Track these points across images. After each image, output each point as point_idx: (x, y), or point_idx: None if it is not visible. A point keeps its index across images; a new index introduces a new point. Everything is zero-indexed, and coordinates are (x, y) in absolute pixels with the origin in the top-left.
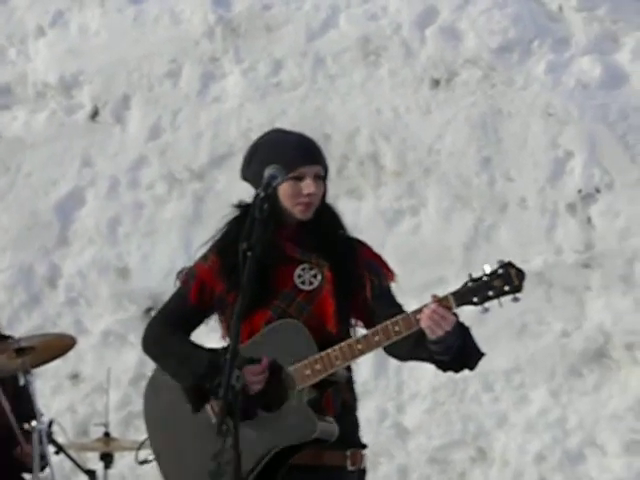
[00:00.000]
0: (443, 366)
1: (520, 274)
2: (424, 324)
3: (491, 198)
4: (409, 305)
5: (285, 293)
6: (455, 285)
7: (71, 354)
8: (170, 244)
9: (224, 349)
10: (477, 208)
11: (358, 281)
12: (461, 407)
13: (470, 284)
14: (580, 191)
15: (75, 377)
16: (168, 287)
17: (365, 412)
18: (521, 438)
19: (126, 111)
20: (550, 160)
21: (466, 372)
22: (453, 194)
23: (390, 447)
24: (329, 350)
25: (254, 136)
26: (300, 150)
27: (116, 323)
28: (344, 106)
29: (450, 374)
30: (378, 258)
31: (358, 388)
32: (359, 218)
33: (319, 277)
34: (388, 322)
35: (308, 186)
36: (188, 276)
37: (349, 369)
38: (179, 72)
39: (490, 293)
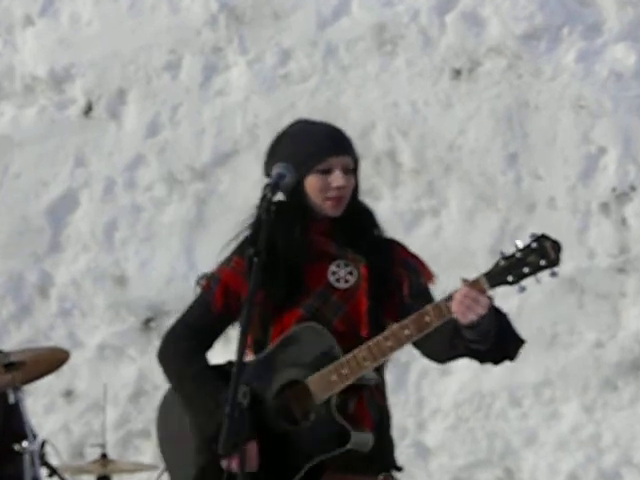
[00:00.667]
0: (481, 357)
1: (556, 246)
2: (456, 309)
3: (518, 198)
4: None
5: (319, 291)
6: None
7: (65, 369)
8: (170, 250)
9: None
10: (502, 209)
11: (394, 280)
12: (487, 424)
13: (503, 262)
14: (614, 190)
15: (69, 394)
16: (169, 296)
17: None
18: (552, 457)
19: (122, 106)
20: (581, 156)
21: (492, 385)
22: (476, 194)
23: (410, 468)
24: (355, 351)
25: (261, 132)
26: (327, 140)
27: (113, 335)
28: (358, 99)
29: (475, 388)
30: (416, 258)
31: None
32: None
33: (355, 274)
34: (418, 313)
35: (337, 179)
36: (211, 281)
37: (379, 371)
38: (179, 64)
39: (526, 270)
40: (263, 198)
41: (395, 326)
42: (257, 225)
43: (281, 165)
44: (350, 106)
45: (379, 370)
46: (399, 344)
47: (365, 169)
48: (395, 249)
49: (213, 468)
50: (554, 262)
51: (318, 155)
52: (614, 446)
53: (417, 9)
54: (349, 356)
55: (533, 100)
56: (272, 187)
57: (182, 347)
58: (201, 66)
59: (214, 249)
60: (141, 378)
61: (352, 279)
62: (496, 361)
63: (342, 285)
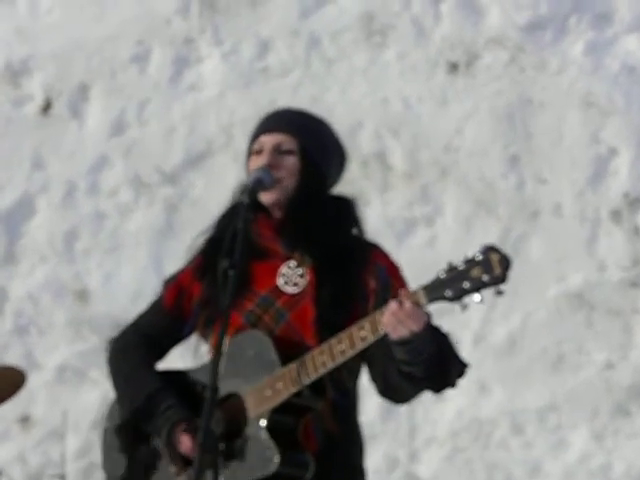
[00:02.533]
0: (416, 384)
1: (504, 260)
2: (386, 321)
3: (520, 204)
4: None
5: (263, 295)
6: (479, 309)
7: (21, 393)
8: (138, 262)
9: (169, 374)
10: (503, 216)
11: (360, 288)
12: (486, 454)
13: (444, 275)
14: (626, 195)
15: (25, 420)
16: (136, 312)
17: (371, 460)
18: None
19: (84, 103)
20: (590, 159)
21: (491, 411)
22: (475, 200)
23: None
24: (290, 365)
25: (237, 131)
26: (263, 119)
27: (74, 356)
28: (344, 96)
29: (472, 415)
30: (393, 268)
31: (363, 432)
32: None
33: (306, 278)
34: (354, 326)
35: (259, 159)
36: (168, 280)
37: (321, 393)
38: (147, 56)
39: (466, 285)
40: (238, 205)
41: (333, 339)
42: (232, 234)
43: (260, 169)
44: (336, 103)
45: (340, 389)
46: (332, 360)
47: (352, 172)
48: (369, 253)
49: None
50: (498, 278)
51: (252, 136)
52: (626, 477)
53: None
54: (285, 369)
55: (537, 97)
56: (250, 192)
57: (121, 344)
58: (171, 58)
59: (185, 262)
60: (105, 403)
61: (303, 283)
62: (435, 389)
63: (290, 289)
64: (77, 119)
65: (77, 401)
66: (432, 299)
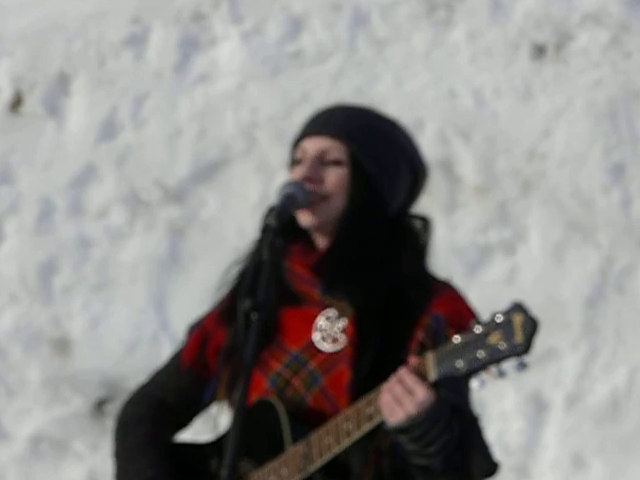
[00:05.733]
0: (432, 478)
1: (529, 324)
2: (382, 401)
3: (626, 227)
4: (504, 398)
5: (295, 354)
6: (572, 361)
7: None
8: (133, 302)
9: (184, 448)
10: (604, 243)
11: (405, 347)
12: None
13: (458, 339)
14: None
15: None
16: (130, 367)
17: None
18: None
19: (64, 98)
20: None
21: None
22: (567, 221)
23: None
24: (298, 445)
25: (261, 134)
26: (309, 118)
27: (52, 423)
28: (399, 88)
29: None
30: (456, 316)
31: None
32: None
33: (347, 333)
34: (363, 399)
35: (297, 169)
36: (193, 326)
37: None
38: (145, 38)
39: (480, 354)
40: (265, 229)
41: (340, 415)
42: (256, 267)
43: (292, 183)
44: (388, 97)
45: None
46: (337, 442)
47: None
48: (429, 302)
49: None
50: (518, 349)
51: (294, 140)
52: None
53: None
54: (292, 451)
55: None
56: (278, 213)
57: (129, 413)
58: (176, 41)
59: (195, 299)
60: None
61: (343, 339)
62: None
63: (327, 347)
64: (55, 119)
65: (56, 479)
66: (442, 372)
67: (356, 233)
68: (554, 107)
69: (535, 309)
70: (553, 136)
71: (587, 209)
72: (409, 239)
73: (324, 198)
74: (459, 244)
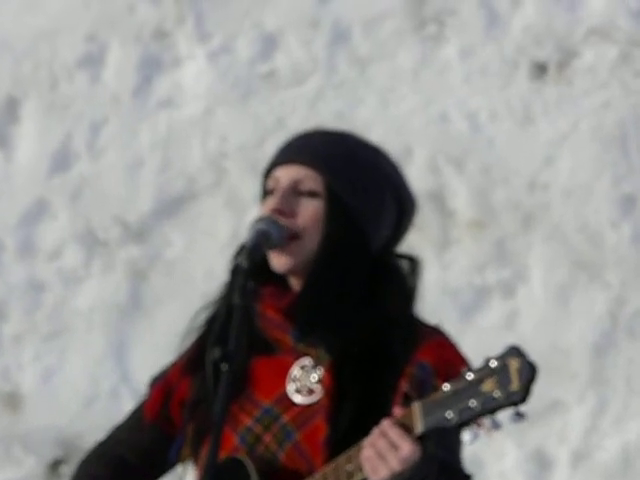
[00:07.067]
0: None
1: (526, 370)
2: (365, 456)
3: (637, 265)
4: (503, 455)
5: (266, 407)
6: (579, 414)
7: None
8: (90, 352)
9: None
10: (614, 283)
11: (389, 399)
12: None
13: (447, 387)
14: None
15: None
16: (87, 424)
17: None
18: None
19: (12, 125)
20: None
21: None
22: (573, 259)
23: None
24: None
25: (231, 165)
26: (282, 145)
27: None
28: (384, 111)
29: None
30: (444, 364)
31: None
32: None
33: (324, 383)
34: (341, 457)
35: (268, 202)
36: (155, 379)
37: None
38: (102, 58)
39: (472, 403)
40: (235, 270)
41: (317, 474)
42: (226, 313)
43: (264, 218)
44: (372, 122)
45: None
46: None
47: None
48: (413, 349)
49: None
50: (514, 397)
51: (266, 169)
52: None
53: None
54: None
55: None
56: (250, 252)
57: (84, 475)
58: (136, 61)
59: (158, 348)
60: None
61: (319, 390)
62: None
63: (303, 399)
64: (2, 148)
65: None
66: (430, 423)
67: (332, 273)
68: (557, 132)
69: (537, 357)
70: (556, 164)
71: (594, 245)
72: (394, 281)
73: (297, 235)
74: (452, 285)
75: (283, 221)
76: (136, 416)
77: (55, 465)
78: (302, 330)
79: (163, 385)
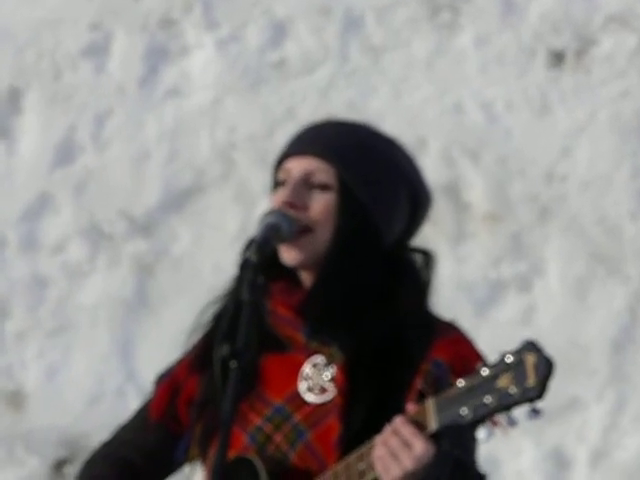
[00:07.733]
0: None
1: (543, 365)
2: (377, 455)
3: None
4: (521, 454)
5: (277, 406)
6: (598, 412)
7: None
8: (95, 349)
9: None
10: (634, 276)
11: (403, 396)
12: None
13: (461, 383)
14: None
15: None
16: (92, 424)
17: None
18: None
19: (15, 116)
20: None
21: None
22: (591, 252)
23: None
24: None
25: (240, 156)
26: (294, 136)
27: None
28: (397, 101)
29: None
30: (460, 361)
31: None
32: None
33: (337, 381)
34: (352, 456)
35: (279, 193)
36: (161, 376)
37: None
38: (106, 47)
39: (487, 400)
40: (244, 265)
41: (328, 472)
42: (234, 309)
43: (274, 211)
44: (385, 112)
45: None
46: None
47: None
48: (429, 346)
49: None
50: (531, 393)
51: (277, 160)
52: None
53: None
54: None
55: None
56: (259, 246)
57: (88, 476)
58: (142, 50)
59: (165, 345)
60: None
61: (332, 388)
62: None
63: (315, 398)
64: (4, 140)
65: None
66: (444, 421)
67: (344, 268)
68: (575, 122)
69: (554, 353)
70: (574, 155)
71: (613, 238)
72: (408, 275)
73: (308, 229)
74: (468, 280)
75: (294, 214)
76: (141, 415)
77: (59, 465)
78: (314, 327)
79: (169, 383)
